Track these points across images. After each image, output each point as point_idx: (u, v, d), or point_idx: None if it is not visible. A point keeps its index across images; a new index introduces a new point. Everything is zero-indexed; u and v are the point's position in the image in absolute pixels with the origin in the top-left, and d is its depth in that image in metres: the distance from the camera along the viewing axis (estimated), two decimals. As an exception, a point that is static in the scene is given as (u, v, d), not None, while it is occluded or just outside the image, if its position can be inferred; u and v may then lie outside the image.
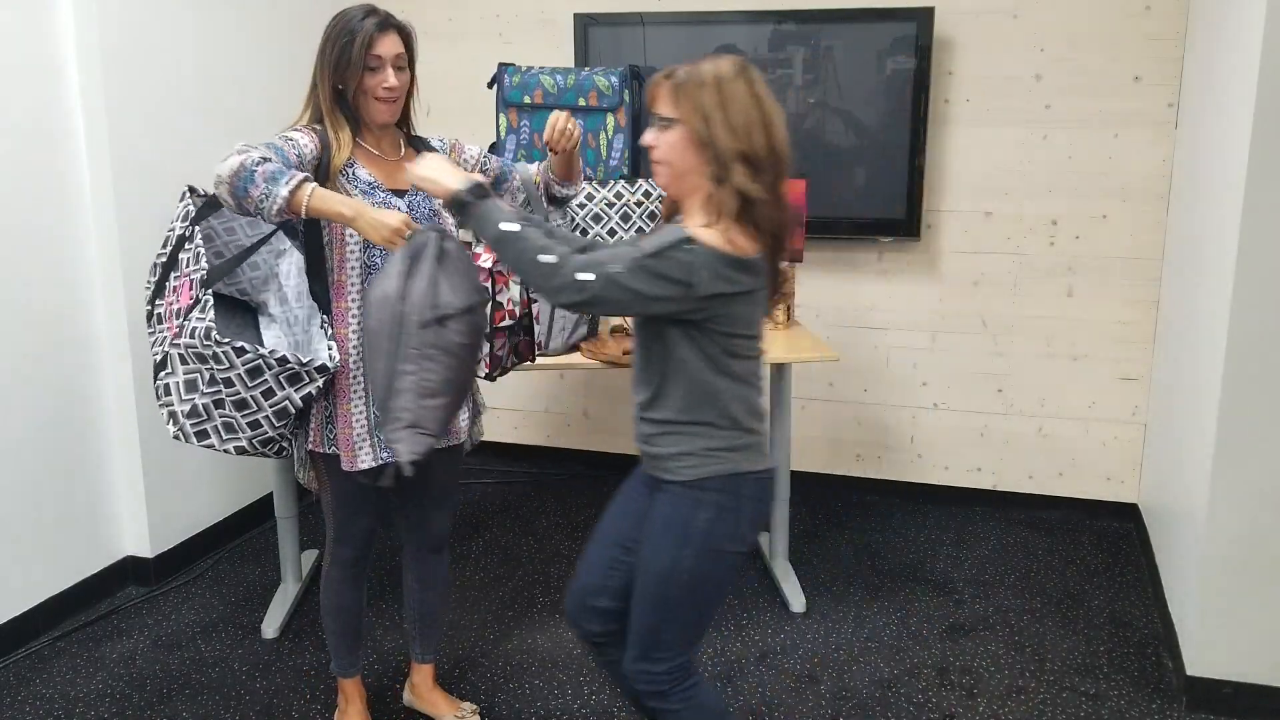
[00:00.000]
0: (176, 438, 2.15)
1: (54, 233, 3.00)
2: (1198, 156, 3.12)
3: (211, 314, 2.05)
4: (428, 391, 2.01)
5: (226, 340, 2.03)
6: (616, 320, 3.17)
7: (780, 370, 3.21)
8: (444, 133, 2.46)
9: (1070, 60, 3.53)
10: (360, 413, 2.22)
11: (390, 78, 2.16)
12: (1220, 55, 2.87)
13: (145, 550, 3.30)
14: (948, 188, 3.72)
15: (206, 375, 2.08)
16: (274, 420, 2.12)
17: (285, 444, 2.24)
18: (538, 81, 3.26)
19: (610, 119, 3.18)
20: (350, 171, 2.18)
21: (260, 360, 2.05)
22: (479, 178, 1.92)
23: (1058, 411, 3.80)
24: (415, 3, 4.09)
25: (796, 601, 3.18)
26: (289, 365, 2.06)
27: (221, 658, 2.94)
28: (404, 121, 2.31)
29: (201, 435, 2.13)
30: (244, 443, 2.14)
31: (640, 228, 3.15)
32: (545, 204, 2.47)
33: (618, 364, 2.91)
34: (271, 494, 3.25)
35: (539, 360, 2.95)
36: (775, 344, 3.17)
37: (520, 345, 2.49)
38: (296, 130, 2.15)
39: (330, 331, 2.16)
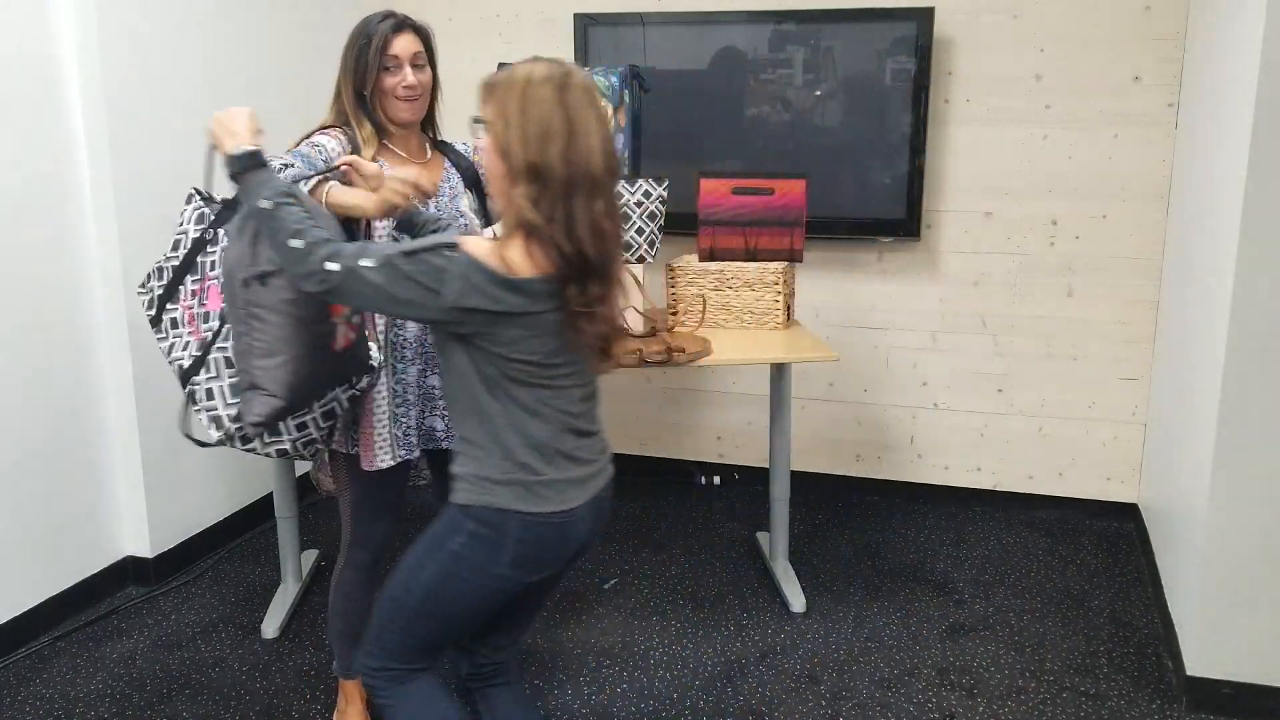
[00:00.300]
0: (221, 442, 2.09)
1: (54, 233, 3.00)
2: (1198, 156, 3.12)
3: None
4: (262, 351, 1.95)
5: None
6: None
7: (780, 370, 3.21)
8: (446, 133, 2.46)
9: (1070, 60, 3.53)
10: (383, 412, 2.24)
11: (408, 76, 2.18)
12: (1220, 55, 2.87)
13: (145, 550, 3.30)
14: (948, 188, 3.72)
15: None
16: (320, 422, 2.13)
17: (322, 445, 2.24)
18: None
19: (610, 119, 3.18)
20: None
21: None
22: (255, 147, 1.82)
23: (1058, 411, 3.80)
24: (415, 3, 4.09)
25: (796, 601, 3.18)
26: None
27: (221, 658, 2.94)
28: (431, 125, 2.34)
29: (245, 439, 2.09)
30: (287, 445, 2.14)
31: (641, 228, 3.15)
32: None
33: (617, 364, 2.91)
34: (271, 494, 3.25)
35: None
36: (775, 344, 3.17)
37: None
38: (323, 134, 2.18)
39: (367, 330, 2.18)
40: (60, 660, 2.92)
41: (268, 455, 2.17)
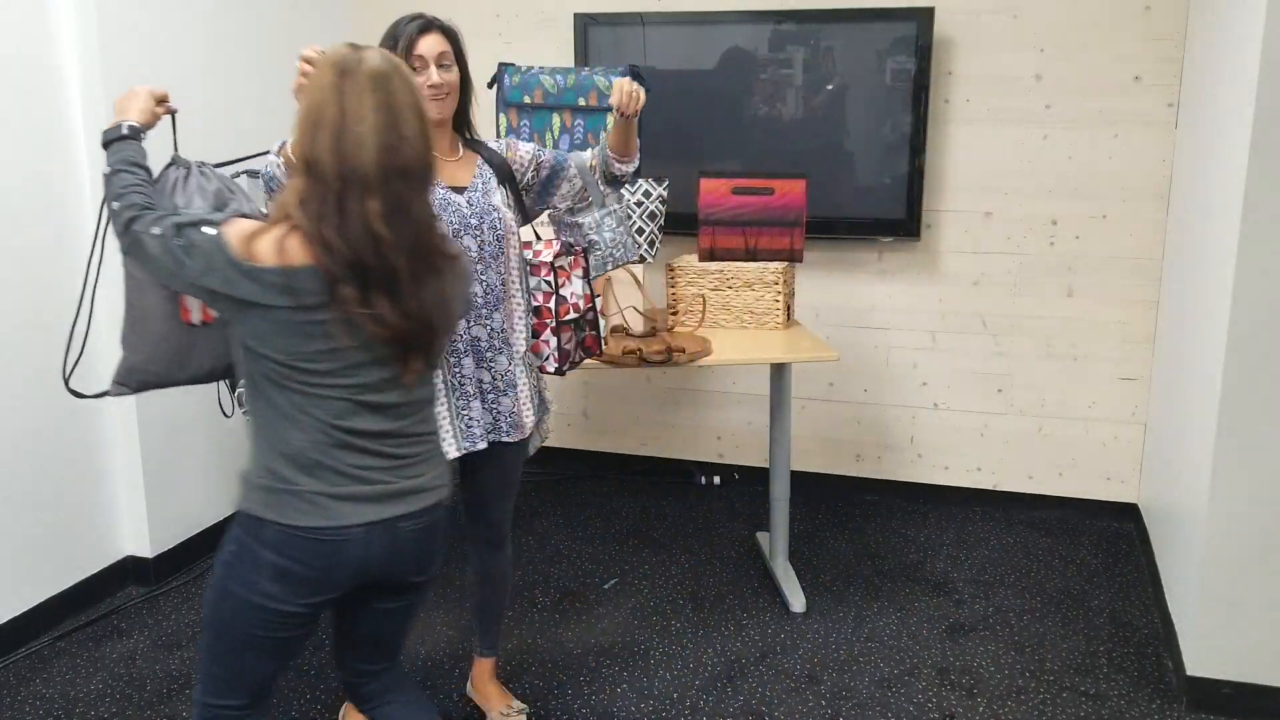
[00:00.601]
0: (101, 394, 2.16)
1: (54, 233, 3.00)
2: (1198, 156, 3.12)
3: None
4: (126, 309, 2.08)
5: None
6: (616, 320, 3.17)
7: (780, 370, 3.21)
8: (474, 134, 2.47)
9: (1070, 60, 3.53)
10: (441, 404, 2.25)
11: (433, 75, 2.20)
12: (1220, 55, 2.87)
13: (145, 550, 3.30)
14: (948, 188, 3.72)
15: None
16: None
17: None
18: (538, 81, 3.26)
19: (610, 119, 3.18)
20: None
21: None
22: (133, 123, 1.87)
23: (1058, 411, 3.80)
24: (415, 3, 4.09)
25: (796, 601, 3.18)
26: None
27: (221, 658, 2.94)
28: (464, 124, 2.35)
29: (115, 392, 2.15)
30: None
31: (641, 228, 3.15)
32: (602, 186, 2.50)
33: (617, 364, 2.91)
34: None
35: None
36: (775, 344, 3.17)
37: (587, 340, 2.53)
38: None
39: None
40: (60, 660, 2.92)
41: None
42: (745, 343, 3.16)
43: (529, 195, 2.44)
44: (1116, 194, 3.59)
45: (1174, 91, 3.47)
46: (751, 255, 3.30)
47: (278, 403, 1.64)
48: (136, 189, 1.74)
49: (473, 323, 2.27)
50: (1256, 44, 2.40)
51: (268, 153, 2.18)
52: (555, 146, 3.24)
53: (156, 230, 1.64)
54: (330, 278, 1.57)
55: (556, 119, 3.21)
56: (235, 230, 1.60)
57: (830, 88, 3.66)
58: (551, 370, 2.46)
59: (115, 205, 1.71)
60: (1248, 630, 2.62)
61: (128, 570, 3.32)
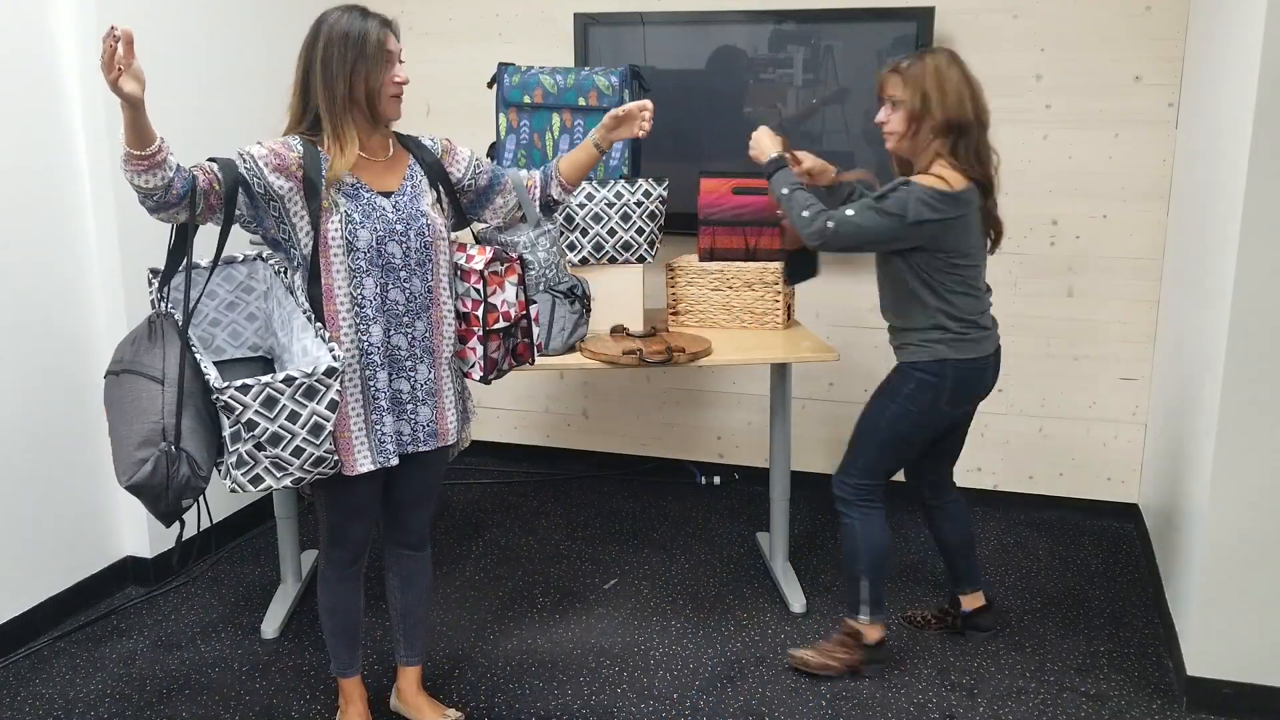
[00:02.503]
0: (234, 490, 2.12)
1: (54, 233, 3.00)
2: (1198, 156, 3.12)
3: (206, 367, 2.07)
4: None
5: (227, 384, 2.03)
6: (616, 319, 3.17)
7: (780, 370, 3.21)
8: (444, 132, 2.46)
9: (1070, 60, 3.53)
10: (357, 415, 2.23)
11: (401, 71, 2.20)
12: (1220, 55, 2.87)
13: (145, 550, 3.30)
14: (948, 188, 3.72)
15: (234, 425, 2.07)
16: (313, 439, 2.10)
17: (335, 457, 2.20)
18: (538, 81, 3.26)
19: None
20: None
21: (268, 390, 2.04)
22: (785, 153, 2.71)
23: (1058, 411, 3.80)
24: (415, 2, 4.10)
25: (796, 602, 3.18)
26: (296, 381, 2.05)
27: (221, 658, 2.94)
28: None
29: (256, 481, 2.11)
30: (296, 473, 2.13)
31: (641, 228, 3.15)
32: (537, 209, 2.48)
33: (617, 364, 2.91)
34: (271, 494, 3.25)
35: (539, 360, 2.95)
36: (775, 344, 3.17)
37: (518, 348, 2.48)
38: (266, 143, 2.16)
39: (326, 335, 2.16)
40: (60, 660, 2.92)
41: (286, 488, 2.18)
42: (745, 343, 3.16)
43: (465, 197, 2.41)
44: (1116, 194, 3.59)
45: (1174, 91, 3.47)
46: (751, 255, 3.30)
47: (946, 283, 2.58)
48: (812, 199, 2.60)
49: (393, 331, 2.24)
50: (1256, 44, 2.40)
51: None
52: (555, 147, 3.24)
53: (850, 211, 2.52)
54: (983, 191, 2.58)
55: (556, 119, 3.21)
56: (925, 179, 2.50)
57: (830, 87, 3.66)
58: (476, 378, 2.41)
59: (806, 214, 2.56)
60: (1248, 630, 2.62)
61: (127, 570, 3.32)
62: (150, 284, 2.23)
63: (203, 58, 3.38)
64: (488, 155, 3.34)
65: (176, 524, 2.12)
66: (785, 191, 2.62)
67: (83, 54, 2.98)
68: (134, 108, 1.91)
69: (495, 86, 3.34)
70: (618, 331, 3.13)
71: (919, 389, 2.63)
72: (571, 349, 3.01)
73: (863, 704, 2.71)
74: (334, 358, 2.10)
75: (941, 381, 2.61)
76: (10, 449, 2.92)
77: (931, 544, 3.63)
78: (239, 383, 2.03)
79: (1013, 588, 3.33)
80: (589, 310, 3.06)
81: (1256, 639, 2.62)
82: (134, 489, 2.03)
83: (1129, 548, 3.61)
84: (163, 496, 2.04)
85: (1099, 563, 3.50)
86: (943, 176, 2.49)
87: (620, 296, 3.18)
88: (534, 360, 2.56)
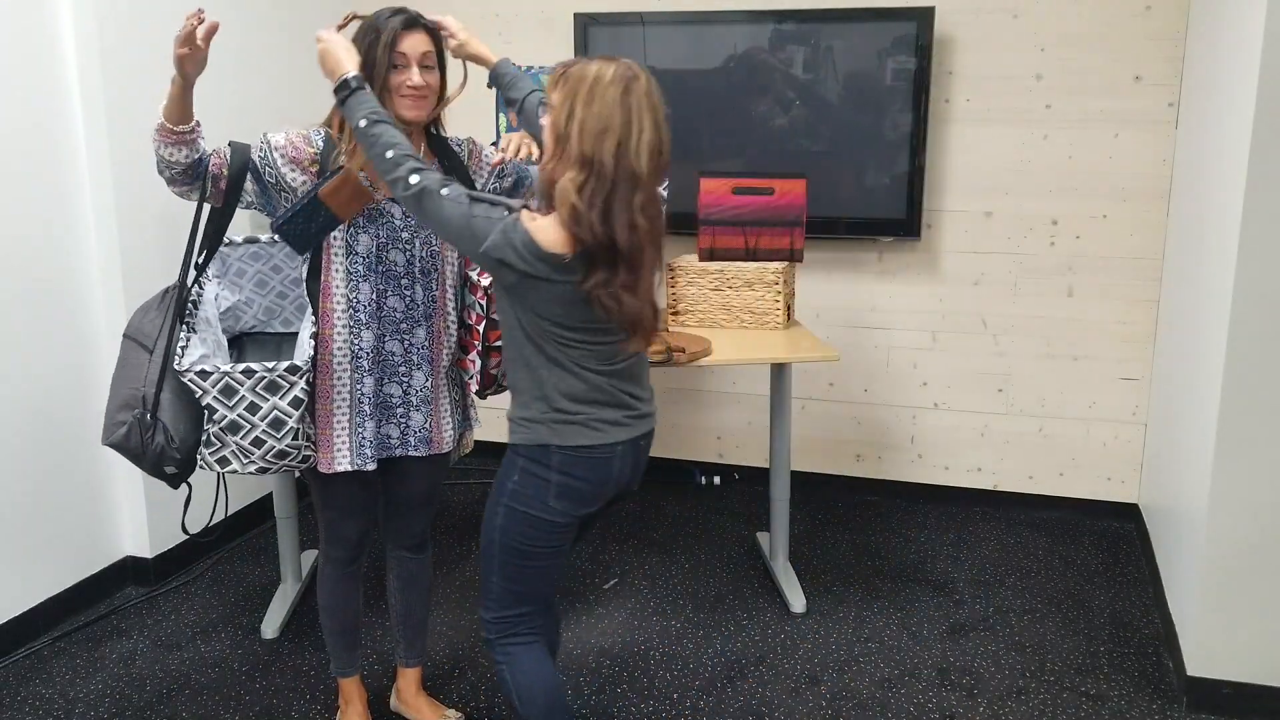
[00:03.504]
0: (202, 467, 2.19)
1: (54, 232, 3.00)
2: (1198, 156, 3.12)
3: (181, 345, 2.11)
4: None
5: (187, 367, 2.07)
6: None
7: (780, 370, 3.21)
8: (444, 132, 2.46)
9: (1070, 60, 3.53)
10: (343, 415, 2.22)
11: (414, 76, 2.13)
12: (1220, 55, 2.87)
13: (145, 550, 3.30)
14: (948, 188, 3.72)
15: (206, 408, 2.12)
16: (273, 432, 2.11)
17: (309, 453, 2.21)
18: (538, 81, 3.25)
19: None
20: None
21: (227, 379, 2.07)
22: (357, 73, 2.03)
23: (1058, 411, 3.80)
24: (415, 2, 4.09)
25: (796, 602, 3.18)
26: (256, 374, 2.07)
27: (221, 658, 2.94)
28: (436, 125, 2.30)
29: (223, 462, 2.17)
30: (260, 463, 2.16)
31: None
32: None
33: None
34: (271, 494, 3.25)
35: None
36: (775, 344, 3.17)
37: None
38: (289, 133, 2.16)
39: (314, 329, 2.16)
40: (60, 660, 2.92)
41: (250, 474, 2.22)
42: (745, 343, 3.15)
43: None
44: (1116, 194, 3.59)
45: (1174, 91, 3.47)
46: (751, 255, 3.30)
47: (557, 354, 1.94)
48: (405, 143, 1.95)
49: (387, 338, 2.23)
50: (1256, 44, 2.40)
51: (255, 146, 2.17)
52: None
53: (447, 191, 1.89)
54: (590, 259, 1.86)
55: (556, 119, 3.21)
56: (526, 217, 1.87)
57: (830, 87, 3.66)
58: (474, 391, 2.40)
59: (391, 155, 1.92)
60: (1248, 630, 2.62)
61: (127, 570, 3.32)
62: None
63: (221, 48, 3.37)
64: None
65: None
66: (364, 124, 1.96)
67: (82, 53, 2.98)
68: (186, 87, 2.01)
69: (495, 87, 3.33)
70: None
71: (522, 481, 2.02)
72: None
73: (862, 704, 2.71)
74: (304, 359, 2.11)
75: (547, 473, 2.00)
76: (10, 449, 2.91)
77: (931, 544, 3.63)
78: (198, 368, 2.07)
79: (1013, 588, 3.33)
80: None
81: (1256, 639, 2.62)
82: (113, 448, 2.12)
83: (1129, 548, 3.61)
84: (141, 459, 2.12)
85: (1099, 563, 3.50)
86: (548, 228, 1.85)
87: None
88: None
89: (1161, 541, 3.29)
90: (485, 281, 2.31)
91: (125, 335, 2.18)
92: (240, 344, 2.34)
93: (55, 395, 3.04)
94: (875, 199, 3.70)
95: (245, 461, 2.15)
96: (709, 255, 3.31)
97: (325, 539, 2.41)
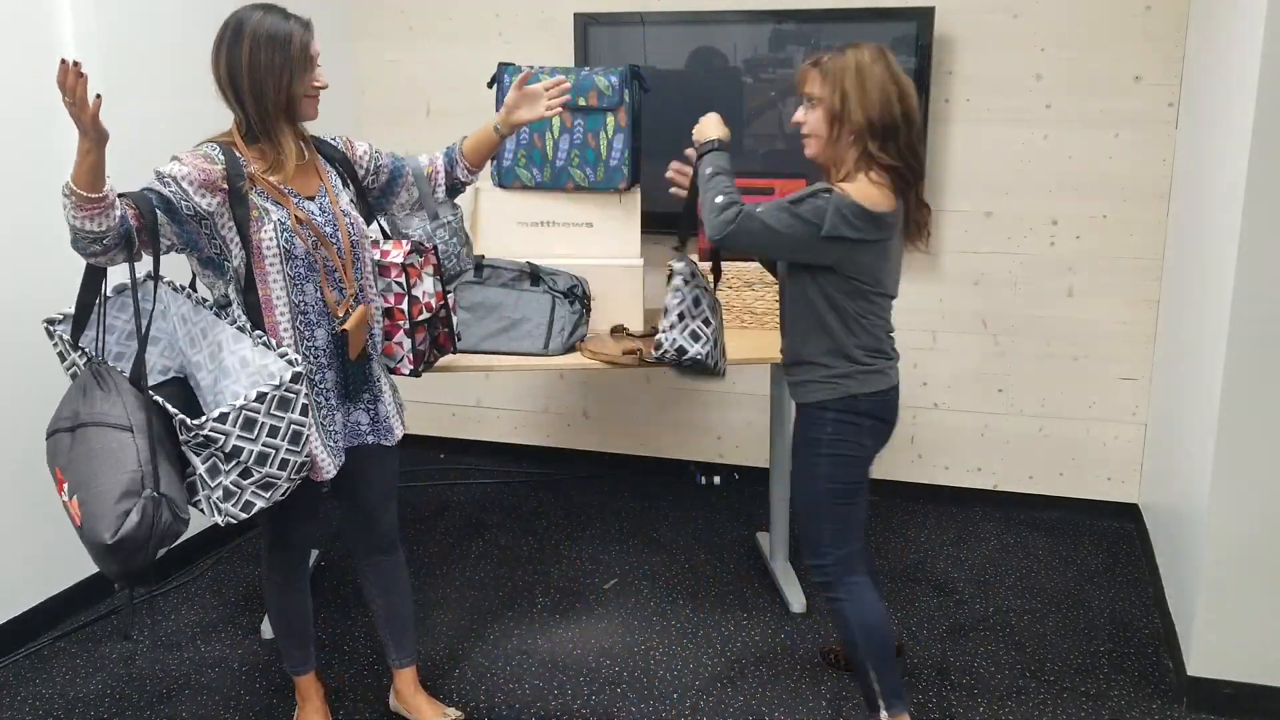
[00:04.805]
0: (227, 524, 2.09)
1: (53, 231, 2.99)
2: (1198, 156, 3.12)
3: (170, 409, 2.02)
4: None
5: (204, 419, 1.98)
6: (616, 319, 3.16)
7: (780, 370, 3.21)
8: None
9: (1070, 60, 3.53)
10: (313, 423, 2.22)
11: (321, 75, 2.18)
12: (1220, 55, 2.87)
13: (145, 550, 3.29)
14: (948, 187, 3.72)
15: (209, 460, 2.04)
16: (294, 448, 2.07)
17: (307, 461, 2.19)
18: (538, 81, 3.25)
19: (610, 119, 3.18)
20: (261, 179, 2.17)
21: (244, 412, 2.00)
22: (723, 138, 2.44)
23: (1058, 411, 3.80)
24: (415, 2, 4.10)
25: (796, 602, 3.18)
26: (269, 396, 2.02)
27: (221, 658, 2.94)
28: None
29: (247, 508, 2.07)
30: (285, 484, 2.10)
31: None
32: (442, 195, 2.47)
33: (617, 364, 2.91)
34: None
35: (539, 360, 2.96)
36: (775, 344, 3.16)
37: (440, 338, 2.48)
38: (186, 158, 2.10)
39: (271, 342, 2.13)
40: (60, 660, 2.92)
41: (275, 502, 2.13)
42: (745, 343, 3.15)
43: (370, 195, 2.40)
44: (1116, 194, 3.58)
45: (1174, 91, 3.47)
46: (751, 255, 3.29)
47: (856, 312, 2.29)
48: (733, 189, 2.32)
49: (335, 328, 2.23)
50: (1257, 44, 2.40)
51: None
52: (555, 147, 3.24)
53: (760, 209, 2.23)
54: (905, 213, 2.29)
55: (556, 119, 3.21)
56: (849, 189, 2.20)
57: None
58: (406, 372, 2.40)
59: (720, 200, 2.28)
60: (1248, 630, 2.62)
61: (128, 570, 3.31)
62: (51, 335, 2.16)
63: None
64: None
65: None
66: (710, 171, 2.36)
67: (83, 53, 2.97)
68: (100, 146, 1.87)
69: (495, 86, 3.33)
70: (618, 331, 3.13)
71: (836, 431, 2.35)
72: (571, 349, 3.01)
73: (863, 704, 2.71)
74: (290, 362, 2.08)
75: (859, 419, 2.35)
76: (10, 449, 2.91)
77: (931, 544, 3.63)
78: (216, 413, 1.98)
79: (1013, 588, 3.33)
80: (589, 310, 3.06)
81: (1256, 639, 2.62)
82: (120, 543, 1.95)
83: (1129, 548, 3.61)
84: (143, 549, 1.98)
85: (1099, 563, 3.50)
86: (867, 192, 2.21)
87: (620, 296, 3.18)
88: (455, 349, 2.54)
89: (1161, 541, 3.29)
90: (399, 259, 2.32)
91: (77, 426, 2.02)
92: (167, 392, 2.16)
93: (55, 396, 3.03)
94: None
95: (270, 492, 2.07)
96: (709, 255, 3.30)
97: (271, 546, 2.42)
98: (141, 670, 2.88)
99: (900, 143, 2.22)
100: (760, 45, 3.67)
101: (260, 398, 2.01)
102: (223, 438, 1.99)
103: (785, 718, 2.66)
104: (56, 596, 3.08)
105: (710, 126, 2.50)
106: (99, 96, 1.85)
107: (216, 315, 2.17)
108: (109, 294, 2.16)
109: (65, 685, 2.81)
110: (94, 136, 1.86)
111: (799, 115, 2.33)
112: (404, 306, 2.34)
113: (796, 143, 3.72)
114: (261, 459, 2.03)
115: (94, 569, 3.21)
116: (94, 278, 2.07)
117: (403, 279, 2.33)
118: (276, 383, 2.03)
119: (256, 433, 2.01)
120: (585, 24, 3.81)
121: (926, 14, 3.50)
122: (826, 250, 2.22)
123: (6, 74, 2.83)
